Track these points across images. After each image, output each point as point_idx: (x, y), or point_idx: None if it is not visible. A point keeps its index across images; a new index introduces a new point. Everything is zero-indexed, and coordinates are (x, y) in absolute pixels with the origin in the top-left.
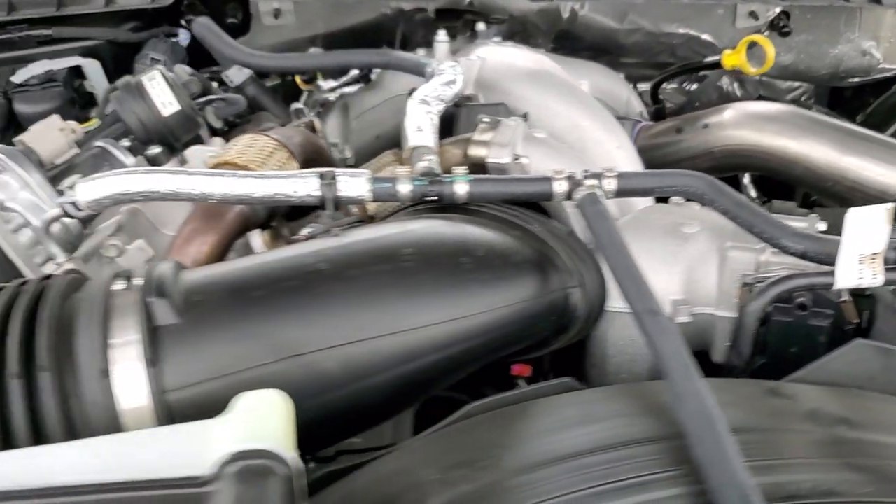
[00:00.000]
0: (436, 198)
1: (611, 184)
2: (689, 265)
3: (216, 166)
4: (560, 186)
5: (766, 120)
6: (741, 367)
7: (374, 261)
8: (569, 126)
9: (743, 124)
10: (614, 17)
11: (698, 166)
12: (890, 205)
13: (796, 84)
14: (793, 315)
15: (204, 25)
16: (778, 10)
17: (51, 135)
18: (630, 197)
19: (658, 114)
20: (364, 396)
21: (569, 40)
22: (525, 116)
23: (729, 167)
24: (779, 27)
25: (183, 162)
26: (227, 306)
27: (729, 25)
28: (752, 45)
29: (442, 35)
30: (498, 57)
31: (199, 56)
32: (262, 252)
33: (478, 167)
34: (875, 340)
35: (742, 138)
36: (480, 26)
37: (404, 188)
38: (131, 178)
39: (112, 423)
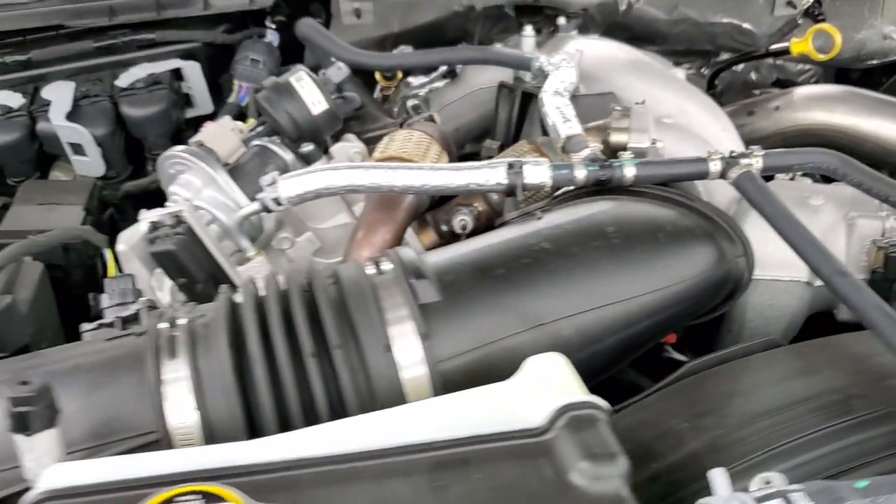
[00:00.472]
0: (607, 180)
1: (758, 162)
2: (819, 235)
3: (382, 161)
4: (715, 166)
5: (835, 101)
6: None
7: (588, 239)
8: (675, 112)
9: (813, 106)
10: (665, 8)
11: (769, 146)
12: None
13: (807, 67)
14: None
15: (310, 25)
16: None
17: (225, 135)
18: (772, 173)
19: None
20: (594, 360)
21: (618, 31)
22: (644, 103)
23: (799, 146)
24: (813, 15)
25: (330, 158)
26: (476, 284)
27: (767, 14)
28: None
29: (529, 30)
30: (596, 49)
31: (287, 56)
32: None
33: (616, 153)
34: None
35: (813, 119)
36: (561, 20)
37: (580, 173)
38: (335, 174)
39: (396, 393)
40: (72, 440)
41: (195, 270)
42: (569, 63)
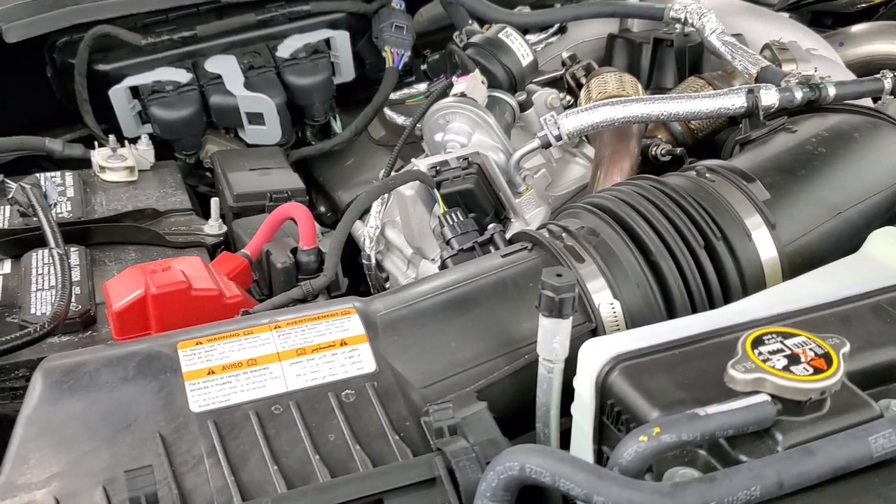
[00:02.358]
0: (814, 100)
1: None
2: None
3: (598, 98)
4: (888, 83)
5: (890, 32)
6: None
7: (847, 142)
8: (805, 55)
9: (874, 38)
10: None
11: None
12: None
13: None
14: None
15: None
16: None
17: (478, 86)
18: None
19: None
20: None
21: None
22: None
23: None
24: None
25: (532, 105)
26: (789, 183)
27: None
28: None
29: None
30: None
31: None
32: None
33: None
34: None
35: (877, 51)
36: None
37: (798, 94)
38: (614, 108)
39: (759, 274)
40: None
41: (486, 205)
42: (706, 10)
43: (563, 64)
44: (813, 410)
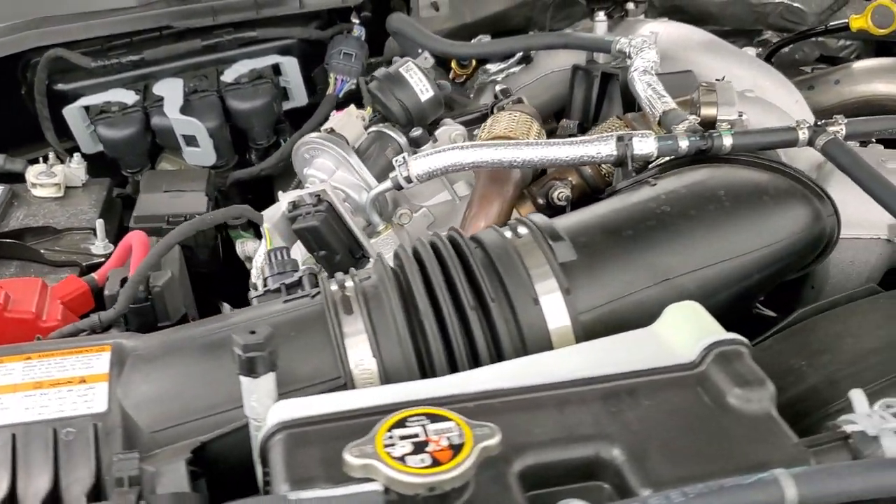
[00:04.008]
0: (707, 149)
1: (842, 129)
2: None
3: (490, 140)
4: (804, 134)
5: (893, 72)
6: None
7: (703, 202)
8: (752, 87)
9: (873, 78)
10: None
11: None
12: None
13: (848, 42)
14: None
15: (401, 19)
16: None
17: (352, 122)
18: (855, 140)
19: None
20: (713, 312)
21: (674, 13)
22: (724, 79)
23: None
24: None
25: (435, 141)
26: (608, 243)
27: None
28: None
29: (601, 16)
30: (671, 31)
31: (370, 48)
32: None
33: (706, 125)
34: None
35: (874, 90)
36: (630, 5)
37: (683, 144)
38: (461, 152)
39: (545, 342)
40: None
41: (335, 244)
42: (649, 44)
43: (496, 97)
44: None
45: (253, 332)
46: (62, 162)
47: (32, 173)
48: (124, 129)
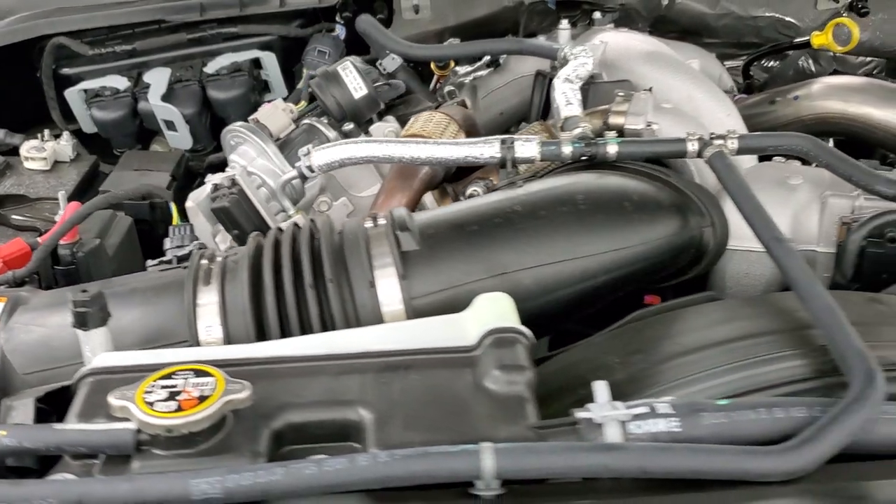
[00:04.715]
0: (592, 156)
1: (734, 143)
2: (795, 210)
3: (406, 137)
4: (693, 146)
5: (850, 91)
6: (844, 285)
7: (557, 204)
8: (685, 98)
9: (830, 95)
10: (707, 3)
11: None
12: None
13: (868, 59)
14: (885, 247)
15: (367, 21)
16: None
17: (277, 114)
18: (748, 154)
19: (749, 88)
20: (552, 307)
21: (665, 24)
22: (651, 90)
23: (817, 133)
24: (857, 8)
25: (368, 136)
26: (452, 237)
27: (811, 7)
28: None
29: (564, 24)
30: (618, 40)
31: (353, 48)
32: (451, 204)
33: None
34: None
35: (830, 107)
36: (597, 15)
37: (567, 149)
38: (356, 146)
39: (377, 322)
40: (127, 344)
41: (245, 224)
42: (587, 53)
43: (442, 98)
44: (184, 446)
45: (85, 291)
46: (56, 139)
47: (25, 147)
48: (114, 112)
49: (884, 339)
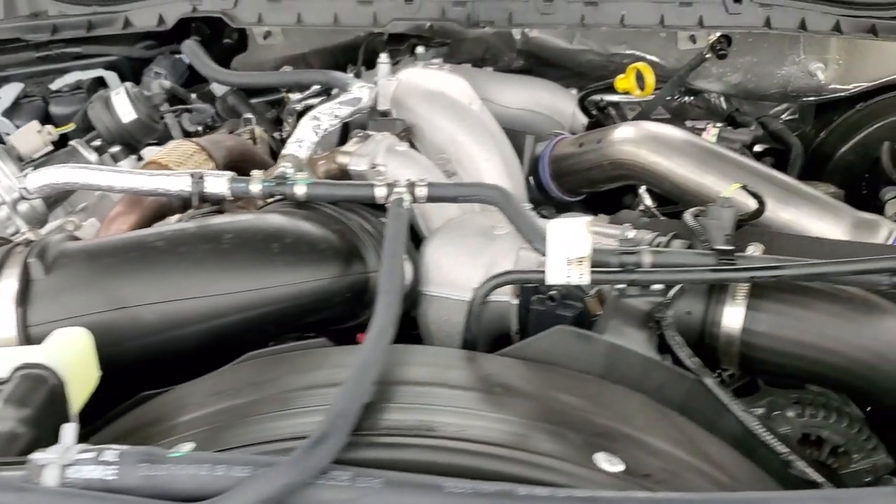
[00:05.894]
0: (281, 196)
1: (423, 191)
2: (492, 260)
3: (146, 165)
4: (380, 192)
5: (641, 141)
6: (471, 342)
7: (201, 241)
8: (448, 140)
9: (624, 143)
10: (565, 38)
11: (595, 177)
12: (588, 217)
13: (783, 106)
14: (545, 305)
15: (188, 47)
16: (718, 34)
17: (31, 136)
18: (439, 202)
19: (593, 125)
20: (181, 342)
21: (530, 58)
22: (406, 131)
23: (617, 178)
24: (717, 50)
25: (140, 159)
26: (81, 268)
27: (673, 47)
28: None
29: (384, 57)
30: (410, 78)
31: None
32: None
33: (346, 173)
34: (604, 329)
35: (625, 153)
36: (420, 49)
37: (255, 187)
38: (63, 171)
39: None
40: None
41: None
42: (362, 90)
43: (245, 124)
44: None
45: None
46: None
47: None
48: None
49: (432, 402)
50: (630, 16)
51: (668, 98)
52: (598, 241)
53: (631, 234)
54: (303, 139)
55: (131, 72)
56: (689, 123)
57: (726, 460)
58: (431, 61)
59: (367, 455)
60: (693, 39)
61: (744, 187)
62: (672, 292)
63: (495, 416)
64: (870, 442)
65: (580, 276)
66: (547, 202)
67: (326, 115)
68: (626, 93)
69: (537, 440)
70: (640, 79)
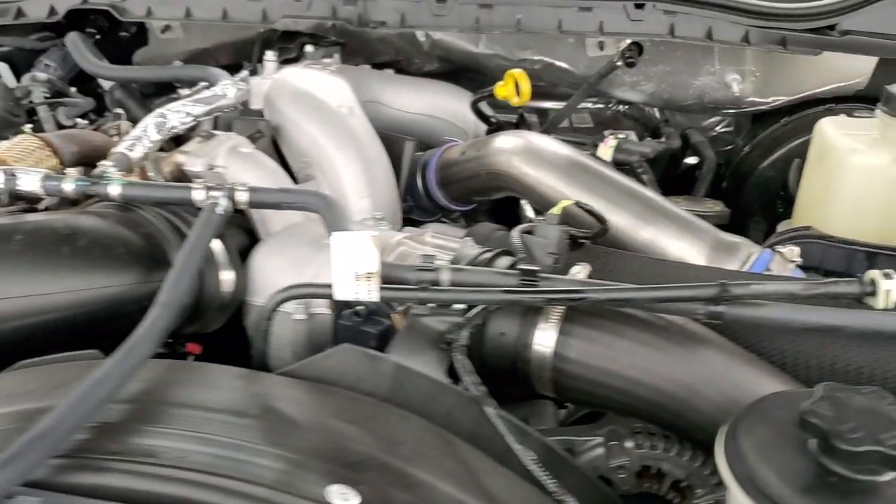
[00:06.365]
0: (95, 196)
1: (244, 196)
2: (317, 271)
3: None
4: (198, 195)
5: (516, 150)
6: (259, 358)
7: None
8: (310, 143)
9: (501, 152)
10: (471, 42)
11: (475, 186)
12: (372, 232)
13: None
14: (351, 320)
15: (70, 40)
16: (628, 41)
17: None
18: (261, 208)
19: (493, 131)
20: None
21: (442, 62)
22: (261, 132)
23: (495, 188)
24: (625, 57)
25: None
26: None
27: (582, 53)
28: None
29: (270, 55)
30: (284, 77)
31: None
32: None
33: (185, 174)
34: (395, 348)
35: (500, 164)
36: (309, 48)
37: (68, 186)
38: None
39: None
40: None
41: None
42: (224, 87)
43: (116, 118)
44: None
45: None
46: None
47: None
48: None
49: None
50: (526, 20)
51: (602, 106)
52: (438, 254)
53: (461, 248)
54: (140, 137)
55: (25, 63)
56: (607, 132)
57: (511, 494)
58: (321, 60)
59: (71, 480)
60: (601, 46)
61: (577, 204)
62: (472, 313)
63: (231, 443)
64: (714, 477)
65: (369, 292)
66: (437, 210)
67: (176, 113)
68: (506, 100)
69: (264, 469)
70: (517, 86)
